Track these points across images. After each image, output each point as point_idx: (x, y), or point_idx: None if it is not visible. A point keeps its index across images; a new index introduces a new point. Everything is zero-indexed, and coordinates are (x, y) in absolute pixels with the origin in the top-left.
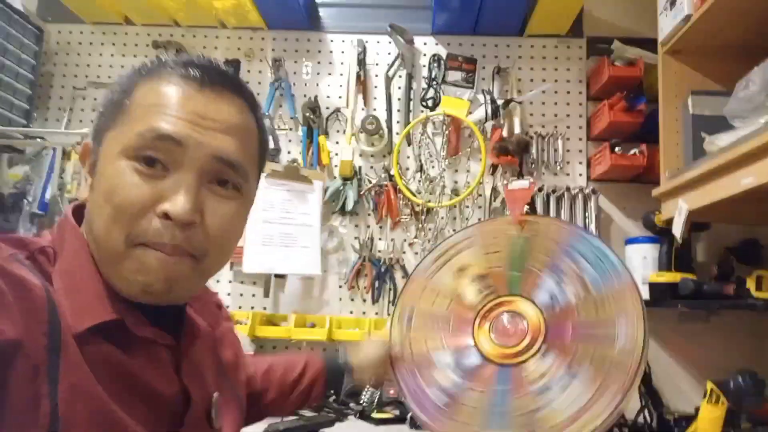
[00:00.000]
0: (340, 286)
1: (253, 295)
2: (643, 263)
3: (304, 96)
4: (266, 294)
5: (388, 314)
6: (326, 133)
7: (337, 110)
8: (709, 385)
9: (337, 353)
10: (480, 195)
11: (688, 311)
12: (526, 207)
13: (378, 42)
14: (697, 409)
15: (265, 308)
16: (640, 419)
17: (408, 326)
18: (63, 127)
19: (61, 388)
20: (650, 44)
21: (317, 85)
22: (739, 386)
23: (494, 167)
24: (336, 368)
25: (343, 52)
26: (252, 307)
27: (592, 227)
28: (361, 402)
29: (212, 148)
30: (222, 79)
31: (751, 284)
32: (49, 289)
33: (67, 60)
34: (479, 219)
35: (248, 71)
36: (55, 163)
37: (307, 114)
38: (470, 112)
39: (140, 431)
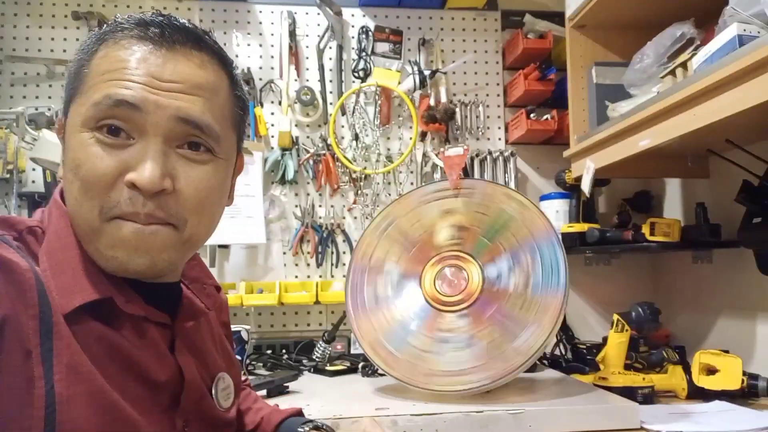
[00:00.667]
0: (284, 253)
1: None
2: (555, 216)
3: (236, 68)
4: (212, 264)
5: (332, 276)
6: (261, 104)
7: (271, 82)
8: (615, 317)
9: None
10: (412, 161)
11: (593, 255)
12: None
13: (307, 13)
14: (604, 339)
15: None
16: (557, 351)
17: (381, 234)
18: None
19: (56, 370)
20: (558, 17)
21: (248, 56)
22: (639, 315)
23: (423, 134)
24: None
25: (272, 23)
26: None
27: (512, 186)
28: (314, 357)
29: (173, 109)
30: (181, 34)
31: (645, 230)
32: (37, 271)
33: None
34: (411, 184)
35: None
36: None
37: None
38: (399, 83)
39: (135, 410)
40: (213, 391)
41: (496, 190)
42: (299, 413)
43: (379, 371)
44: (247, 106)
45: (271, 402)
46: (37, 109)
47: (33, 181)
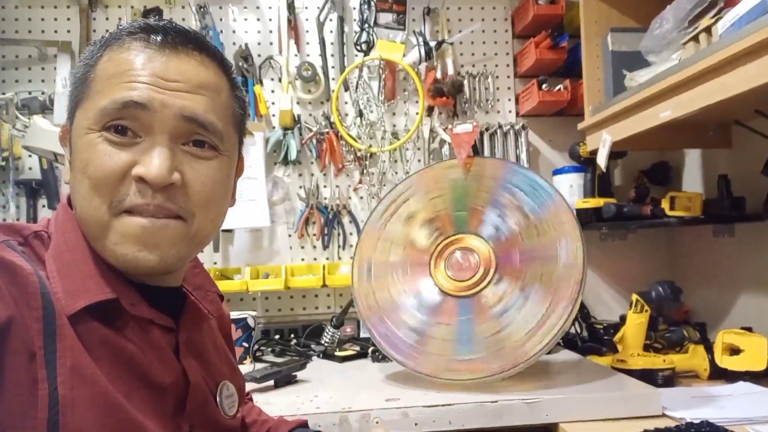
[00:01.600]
0: (290, 235)
1: (202, 251)
2: (569, 191)
3: (233, 44)
4: (216, 249)
5: (339, 258)
6: (260, 82)
7: (270, 58)
8: (634, 297)
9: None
10: (419, 137)
11: (608, 231)
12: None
13: None
14: (621, 317)
15: (215, 263)
16: (572, 330)
17: (369, 277)
18: None
19: (60, 372)
20: None
21: (246, 32)
22: (659, 295)
23: (430, 109)
24: None
25: None
26: (202, 263)
27: (524, 160)
28: (323, 342)
29: (179, 107)
30: (183, 38)
31: (665, 204)
32: (40, 274)
33: None
34: (419, 161)
35: (170, 20)
36: None
37: (240, 63)
38: (404, 55)
39: (140, 414)
40: (218, 398)
41: (435, 170)
42: (304, 425)
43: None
44: (247, 107)
45: (279, 392)
46: (30, 93)
47: (30, 168)
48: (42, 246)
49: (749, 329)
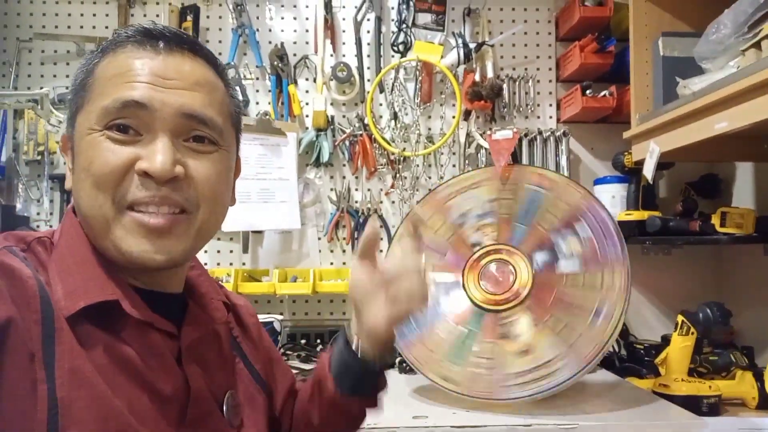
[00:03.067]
0: (319, 239)
1: (231, 252)
2: (611, 202)
3: (269, 43)
4: (245, 250)
5: None
6: (295, 82)
7: (305, 57)
8: (680, 318)
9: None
10: (455, 141)
11: (651, 245)
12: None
13: None
14: (663, 338)
15: (244, 264)
16: (609, 349)
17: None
18: (10, 83)
19: (58, 374)
20: None
21: (282, 30)
22: (707, 317)
23: (467, 113)
24: (341, 352)
25: None
26: (231, 264)
27: (564, 168)
28: None
29: (178, 105)
30: (178, 41)
31: (716, 220)
32: (40, 278)
33: (8, 9)
34: (454, 166)
35: (207, 17)
36: (8, 124)
37: (275, 62)
38: (442, 57)
39: (138, 421)
40: (224, 408)
41: (520, 171)
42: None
43: None
44: (242, 108)
45: None
46: (67, 88)
47: (64, 163)
48: (45, 251)
49: None
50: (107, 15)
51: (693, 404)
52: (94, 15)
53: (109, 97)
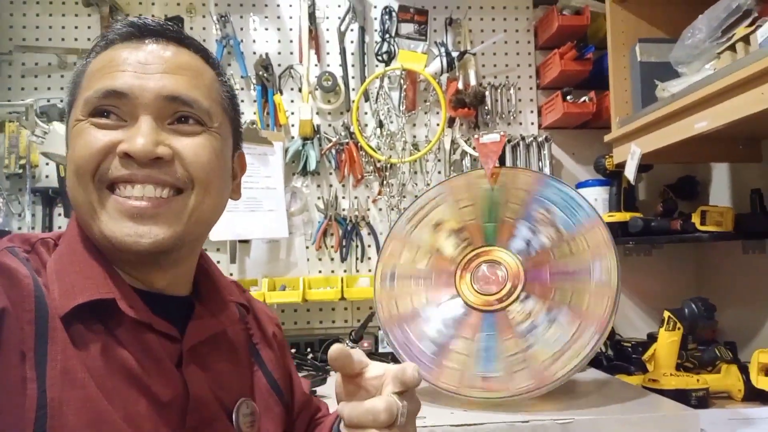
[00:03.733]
0: (307, 247)
1: (219, 262)
2: (594, 205)
3: (254, 53)
4: (232, 260)
5: (357, 271)
6: (280, 92)
7: (290, 67)
8: (666, 314)
9: None
10: (440, 148)
11: (632, 246)
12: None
13: None
14: (648, 336)
15: (231, 274)
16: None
17: (391, 284)
18: None
19: (50, 375)
20: None
21: (266, 41)
22: (692, 312)
23: (451, 120)
24: None
25: (291, 6)
26: (220, 270)
27: (547, 173)
28: None
29: (158, 87)
30: (163, 30)
31: (696, 219)
32: (37, 279)
33: None
34: (439, 173)
35: (191, 28)
36: None
37: (260, 72)
38: (426, 66)
39: (131, 426)
40: (234, 416)
41: (468, 178)
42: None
43: None
44: (235, 94)
45: None
46: (49, 101)
47: (47, 176)
48: (47, 252)
49: None
50: (89, 27)
51: (682, 398)
52: (76, 27)
53: (91, 89)
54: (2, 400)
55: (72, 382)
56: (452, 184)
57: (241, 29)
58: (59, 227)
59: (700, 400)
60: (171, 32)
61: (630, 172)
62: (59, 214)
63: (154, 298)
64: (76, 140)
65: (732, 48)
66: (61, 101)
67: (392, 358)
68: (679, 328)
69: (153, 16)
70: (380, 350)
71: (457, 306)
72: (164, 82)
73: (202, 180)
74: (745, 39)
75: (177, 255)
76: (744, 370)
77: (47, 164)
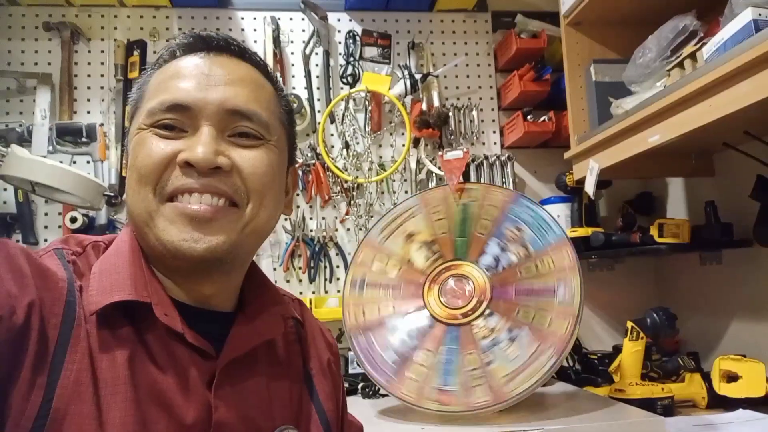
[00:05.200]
0: (275, 269)
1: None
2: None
3: None
4: None
5: (326, 292)
6: None
7: None
8: (629, 324)
9: None
10: (406, 168)
11: (595, 261)
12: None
13: (291, 19)
14: (614, 348)
15: None
16: (564, 363)
17: (360, 291)
18: None
19: (62, 383)
20: (550, 17)
21: None
22: (654, 321)
23: (416, 140)
24: None
25: (255, 30)
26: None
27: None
28: None
29: (220, 100)
30: (227, 44)
31: (654, 231)
32: (73, 284)
33: None
34: (406, 192)
35: (154, 52)
36: None
37: None
38: (390, 88)
39: None
40: None
41: (445, 191)
42: None
43: (381, 392)
44: (292, 109)
45: None
46: (7, 125)
47: (4, 202)
48: (96, 255)
49: (743, 356)
50: (50, 51)
51: (648, 406)
52: (36, 51)
53: (155, 99)
54: (13, 403)
55: (83, 395)
56: (425, 197)
57: None
58: None
59: (666, 408)
60: (234, 46)
61: (589, 187)
62: (17, 241)
63: (196, 312)
64: (138, 149)
65: (680, 65)
66: (20, 125)
67: (362, 378)
68: (642, 338)
69: (116, 40)
70: (350, 371)
71: (423, 317)
72: (227, 95)
73: (258, 192)
74: (692, 56)
75: (228, 265)
76: (707, 378)
77: (5, 189)
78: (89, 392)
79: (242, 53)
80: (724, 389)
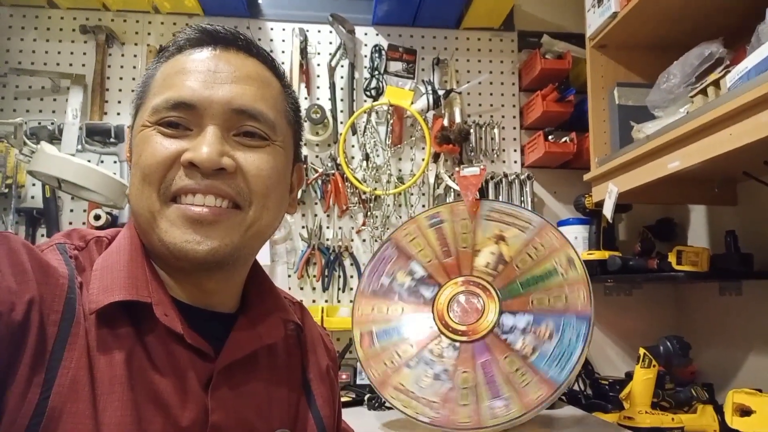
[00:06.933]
0: (289, 276)
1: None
2: (574, 243)
3: None
4: None
5: (338, 301)
6: None
7: None
8: (642, 351)
9: None
10: (424, 182)
11: (612, 285)
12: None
13: (319, 31)
14: (626, 374)
15: None
16: (575, 387)
17: (427, 228)
18: None
19: (59, 382)
20: (576, 38)
21: None
22: (668, 350)
23: (436, 155)
24: None
25: (283, 41)
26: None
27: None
28: None
29: (227, 99)
30: (234, 39)
31: (672, 258)
32: (74, 280)
33: None
34: (423, 206)
35: None
36: None
37: None
38: (412, 102)
39: None
40: None
41: (552, 234)
42: None
43: (387, 404)
44: (299, 106)
45: None
46: (39, 123)
47: (32, 197)
48: (99, 250)
49: (759, 391)
50: (84, 53)
51: None
52: (72, 53)
53: (161, 96)
54: (11, 400)
55: (80, 393)
56: (538, 227)
57: None
58: None
59: None
60: (241, 41)
61: (608, 210)
62: (42, 235)
63: (196, 313)
64: (142, 146)
65: (704, 92)
66: (52, 123)
67: (369, 390)
68: (654, 366)
69: (148, 45)
70: (358, 382)
71: (444, 344)
72: (233, 94)
73: (262, 195)
74: (716, 83)
75: (231, 267)
76: (720, 410)
77: (33, 185)
78: (86, 391)
79: (249, 48)
80: (736, 423)
